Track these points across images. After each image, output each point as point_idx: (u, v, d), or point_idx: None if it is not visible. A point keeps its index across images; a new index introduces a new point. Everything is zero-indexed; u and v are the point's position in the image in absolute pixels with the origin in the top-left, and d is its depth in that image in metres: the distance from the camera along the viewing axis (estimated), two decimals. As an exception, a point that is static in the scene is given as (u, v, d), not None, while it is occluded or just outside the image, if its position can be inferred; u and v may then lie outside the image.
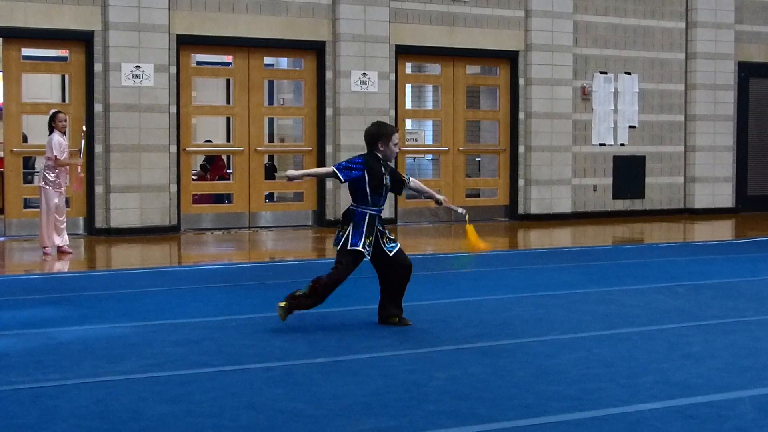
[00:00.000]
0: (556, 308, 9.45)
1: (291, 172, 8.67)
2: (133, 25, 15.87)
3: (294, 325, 8.48)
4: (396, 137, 8.52)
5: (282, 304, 8.32)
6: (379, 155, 8.47)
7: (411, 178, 8.91)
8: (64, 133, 13.79)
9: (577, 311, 9.30)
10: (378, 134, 8.47)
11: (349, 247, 8.31)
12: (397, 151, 8.60)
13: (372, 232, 8.39)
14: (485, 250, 8.91)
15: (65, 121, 13.86)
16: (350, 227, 8.37)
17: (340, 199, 17.41)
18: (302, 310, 8.42)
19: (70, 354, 7.36)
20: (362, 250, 8.29)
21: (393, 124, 17.89)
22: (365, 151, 8.55)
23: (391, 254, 8.45)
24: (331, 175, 8.58)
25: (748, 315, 9.15)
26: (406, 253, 8.60)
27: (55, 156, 13.50)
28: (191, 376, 6.69)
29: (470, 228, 9.09)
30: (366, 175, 8.38)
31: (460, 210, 9.22)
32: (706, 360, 7.24)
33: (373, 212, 8.41)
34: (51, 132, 13.63)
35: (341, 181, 8.50)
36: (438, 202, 8.98)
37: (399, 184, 8.75)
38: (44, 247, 13.59)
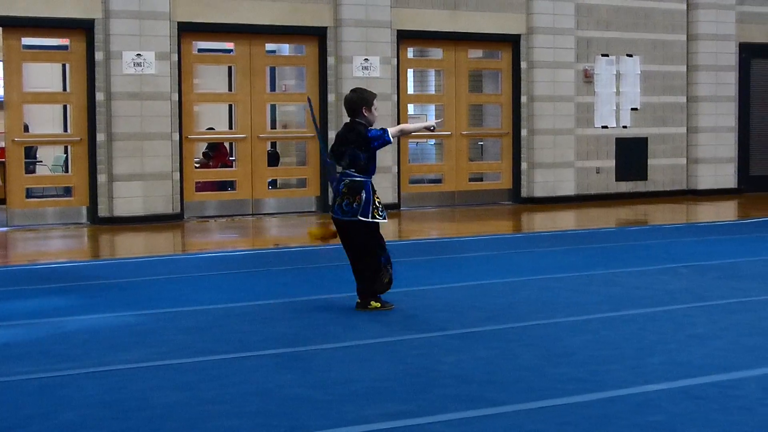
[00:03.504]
0: (562, 291, 9.46)
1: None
2: (134, 13, 15.84)
3: (300, 310, 8.49)
4: (377, 102, 8.63)
5: (378, 305, 8.44)
6: (363, 122, 8.53)
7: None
8: None
9: (582, 293, 9.31)
10: (363, 100, 8.52)
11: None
12: (378, 115, 8.66)
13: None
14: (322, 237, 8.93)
15: None
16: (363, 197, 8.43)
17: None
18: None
19: (77, 343, 7.37)
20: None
21: (396, 109, 17.89)
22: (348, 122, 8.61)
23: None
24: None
25: (752, 295, 9.16)
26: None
27: None
28: (199, 363, 6.71)
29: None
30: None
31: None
32: (711, 340, 7.25)
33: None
34: None
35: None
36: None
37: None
38: None
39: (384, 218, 8.50)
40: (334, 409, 5.59)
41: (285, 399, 5.80)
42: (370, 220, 8.38)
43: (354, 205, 8.36)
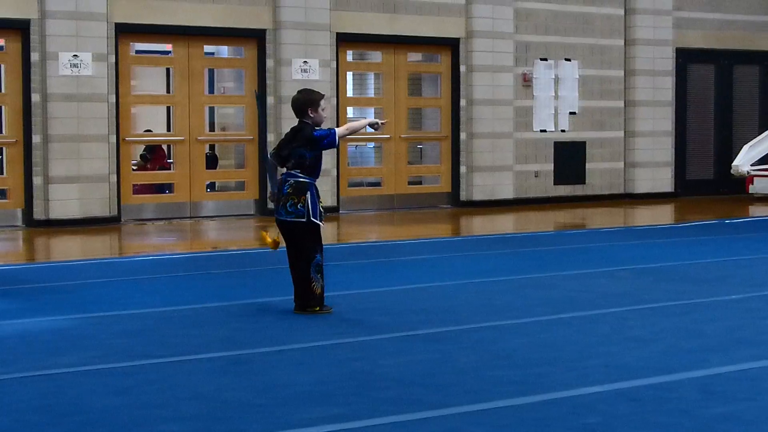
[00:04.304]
0: (501, 294, 9.49)
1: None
2: (70, 14, 15.67)
3: (239, 314, 8.44)
4: (324, 103, 8.57)
5: (316, 309, 8.39)
6: (310, 122, 8.50)
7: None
8: None
9: (521, 297, 9.34)
10: (309, 101, 8.49)
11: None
12: (326, 116, 8.61)
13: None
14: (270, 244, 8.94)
15: None
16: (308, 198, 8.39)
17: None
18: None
19: (11, 348, 7.26)
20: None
21: (335, 112, 17.85)
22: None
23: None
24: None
25: (689, 298, 9.24)
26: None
27: None
28: (135, 367, 6.63)
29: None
30: None
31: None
32: (649, 343, 7.30)
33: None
34: None
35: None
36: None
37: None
38: None
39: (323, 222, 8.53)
40: (272, 412, 5.56)
41: (223, 403, 5.76)
42: (320, 222, 8.39)
43: (299, 206, 8.33)
